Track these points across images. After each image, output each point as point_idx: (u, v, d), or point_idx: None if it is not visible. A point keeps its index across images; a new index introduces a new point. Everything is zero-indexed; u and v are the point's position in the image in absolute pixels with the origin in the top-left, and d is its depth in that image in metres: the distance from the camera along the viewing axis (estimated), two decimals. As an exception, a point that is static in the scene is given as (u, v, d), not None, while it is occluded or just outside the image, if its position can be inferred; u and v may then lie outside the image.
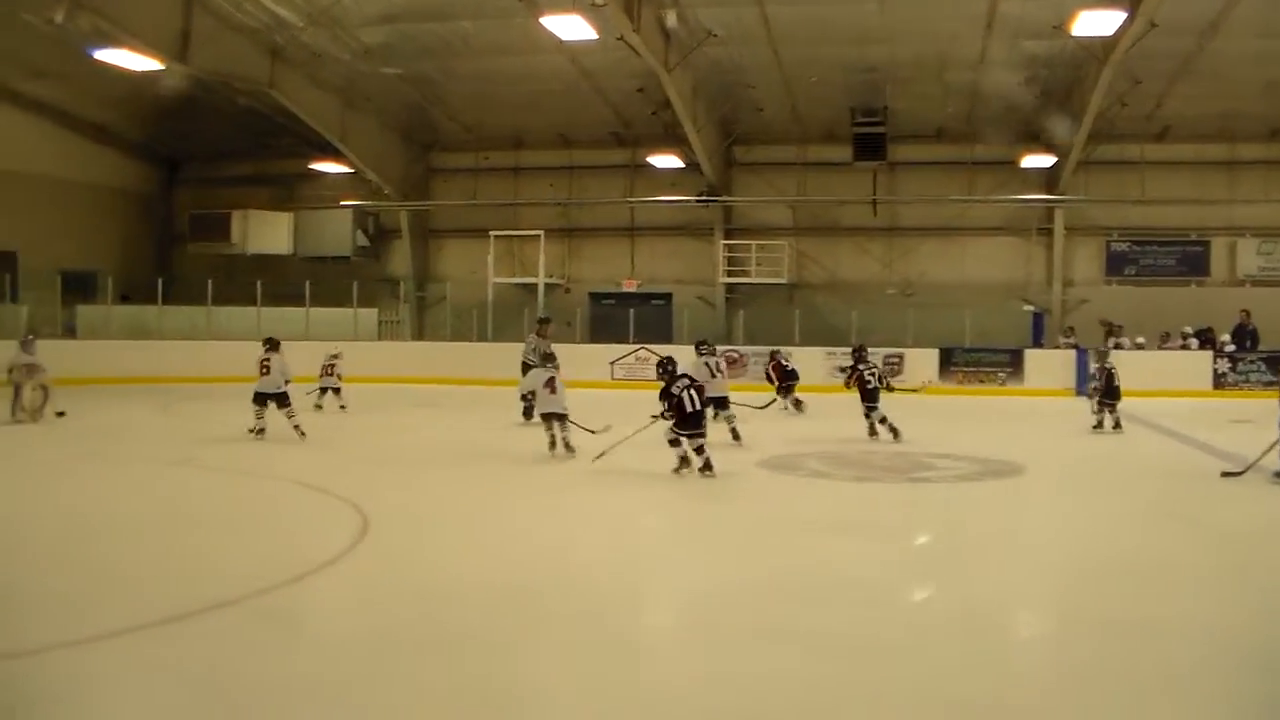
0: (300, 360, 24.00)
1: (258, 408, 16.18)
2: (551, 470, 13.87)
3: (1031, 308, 30.01)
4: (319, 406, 20.19)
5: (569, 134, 33.10)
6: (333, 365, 20.62)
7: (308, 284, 30.50)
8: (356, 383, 22.16)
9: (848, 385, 16.97)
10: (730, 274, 32.01)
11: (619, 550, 9.49)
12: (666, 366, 13.09)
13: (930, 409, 20.62)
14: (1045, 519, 11.41)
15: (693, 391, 12.73)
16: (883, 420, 16.41)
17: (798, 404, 21.43)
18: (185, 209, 35.93)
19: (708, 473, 12.61)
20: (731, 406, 16.53)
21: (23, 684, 5.84)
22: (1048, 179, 29.94)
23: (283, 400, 16.17)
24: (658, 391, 12.87)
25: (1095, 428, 17.90)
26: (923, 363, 27.24)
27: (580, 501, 11.92)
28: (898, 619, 7.23)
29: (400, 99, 30.87)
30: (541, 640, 6.70)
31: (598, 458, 13.40)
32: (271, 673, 6.00)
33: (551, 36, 22.00)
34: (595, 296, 33.47)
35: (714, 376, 16.34)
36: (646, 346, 28.61)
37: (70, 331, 29.89)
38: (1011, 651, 6.86)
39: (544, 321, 20.01)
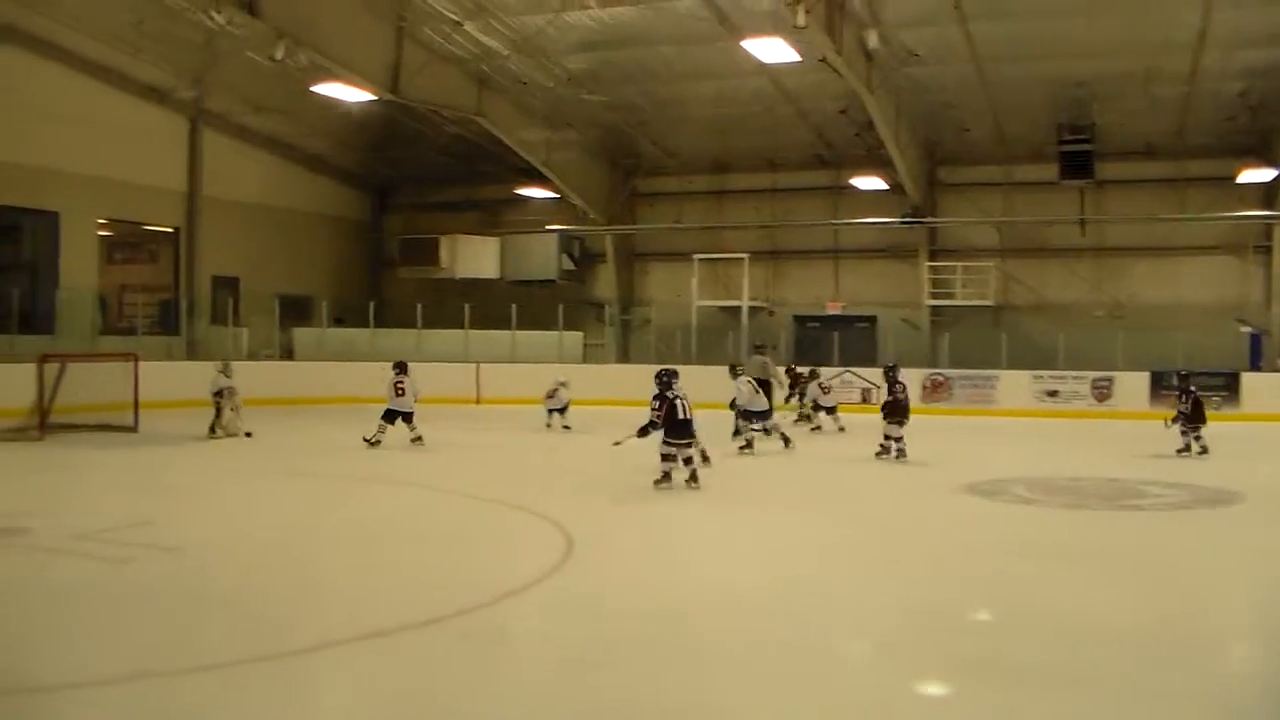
0: (511, 382, 26.58)
1: (386, 424, 19.26)
2: (751, 488, 15.44)
3: (1249, 329, 30.57)
4: (548, 426, 22.63)
5: (772, 157, 35.54)
6: (556, 390, 23.05)
7: (514, 307, 32.73)
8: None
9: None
10: (935, 296, 33.78)
11: (827, 572, 10.09)
12: (663, 377, 14.57)
13: (1140, 435, 21.06)
14: (1262, 551, 11.46)
15: (684, 400, 14.25)
16: (899, 440, 17.66)
17: (809, 420, 23.57)
18: (395, 235, 39.81)
19: (693, 484, 14.22)
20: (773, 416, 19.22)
21: (226, 694, 6.53)
22: (1266, 194, 30.75)
23: (409, 418, 19.35)
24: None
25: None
26: (1133, 387, 28.33)
27: (781, 521, 12.94)
28: (1101, 651, 7.42)
29: (604, 124, 33.75)
30: (745, 662, 7.20)
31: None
32: (476, 689, 6.66)
33: (753, 59, 23.10)
34: (799, 319, 35.70)
35: (756, 394, 19.01)
36: (851, 370, 30.06)
37: (287, 353, 33.30)
38: (1217, 686, 7.06)
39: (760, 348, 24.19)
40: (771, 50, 22.04)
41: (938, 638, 7.90)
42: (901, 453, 17.54)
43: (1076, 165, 30.48)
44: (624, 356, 35.87)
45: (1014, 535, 12.11)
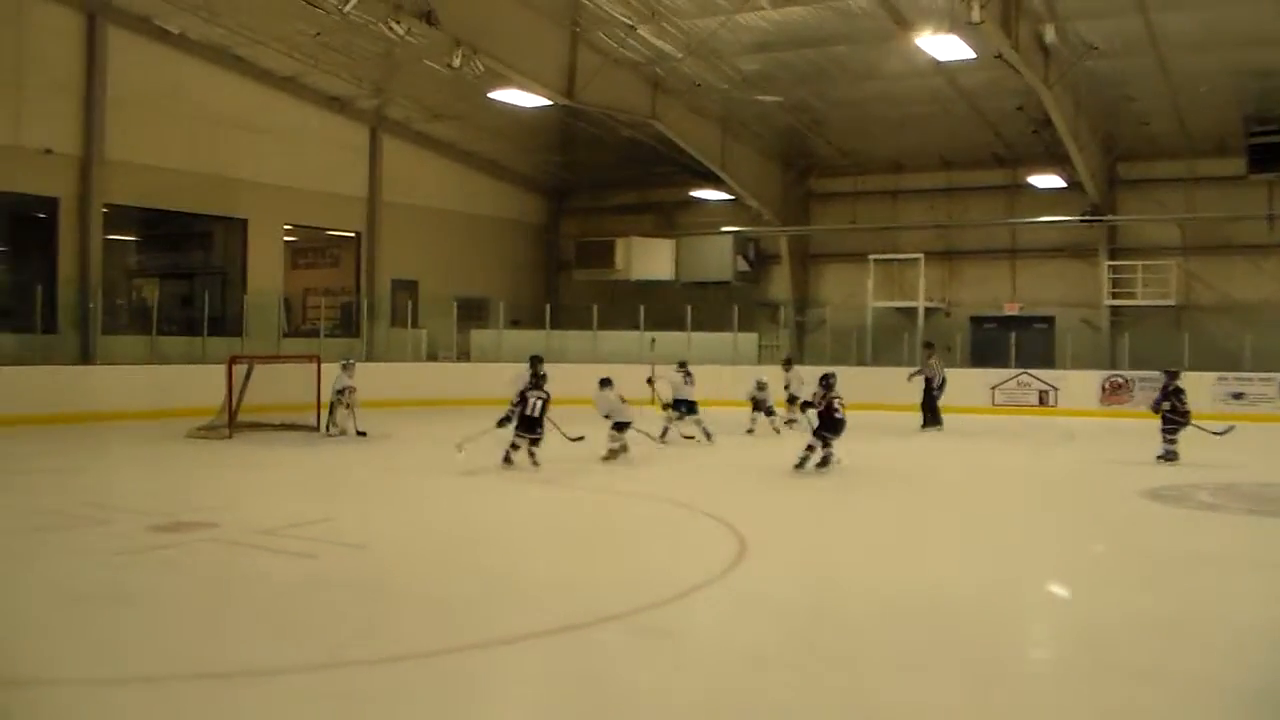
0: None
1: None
2: (929, 491, 15.63)
3: None
4: (750, 431, 23.05)
5: (947, 155, 35.35)
6: (761, 396, 23.50)
7: (689, 309, 33.11)
8: (735, 406, 24.03)
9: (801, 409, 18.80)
10: (1115, 296, 33.05)
11: (1004, 576, 10.05)
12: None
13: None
14: None
15: (539, 400, 15.99)
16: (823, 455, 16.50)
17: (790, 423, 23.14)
18: (572, 237, 40.56)
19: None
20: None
21: (409, 685, 6.72)
22: None
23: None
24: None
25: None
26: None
27: (958, 526, 12.92)
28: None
29: (778, 125, 33.86)
30: (923, 664, 7.23)
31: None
32: (652, 687, 6.75)
33: (928, 57, 23.36)
34: (976, 320, 35.46)
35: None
36: (1028, 371, 29.86)
37: (465, 355, 33.85)
38: None
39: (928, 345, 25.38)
40: (946, 47, 22.21)
41: (1111, 646, 7.83)
42: (826, 461, 16.41)
43: (1266, 158, 29.63)
44: (800, 358, 35.47)
45: (1198, 542, 11.93)
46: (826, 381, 16.52)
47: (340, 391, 21.24)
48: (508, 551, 11.05)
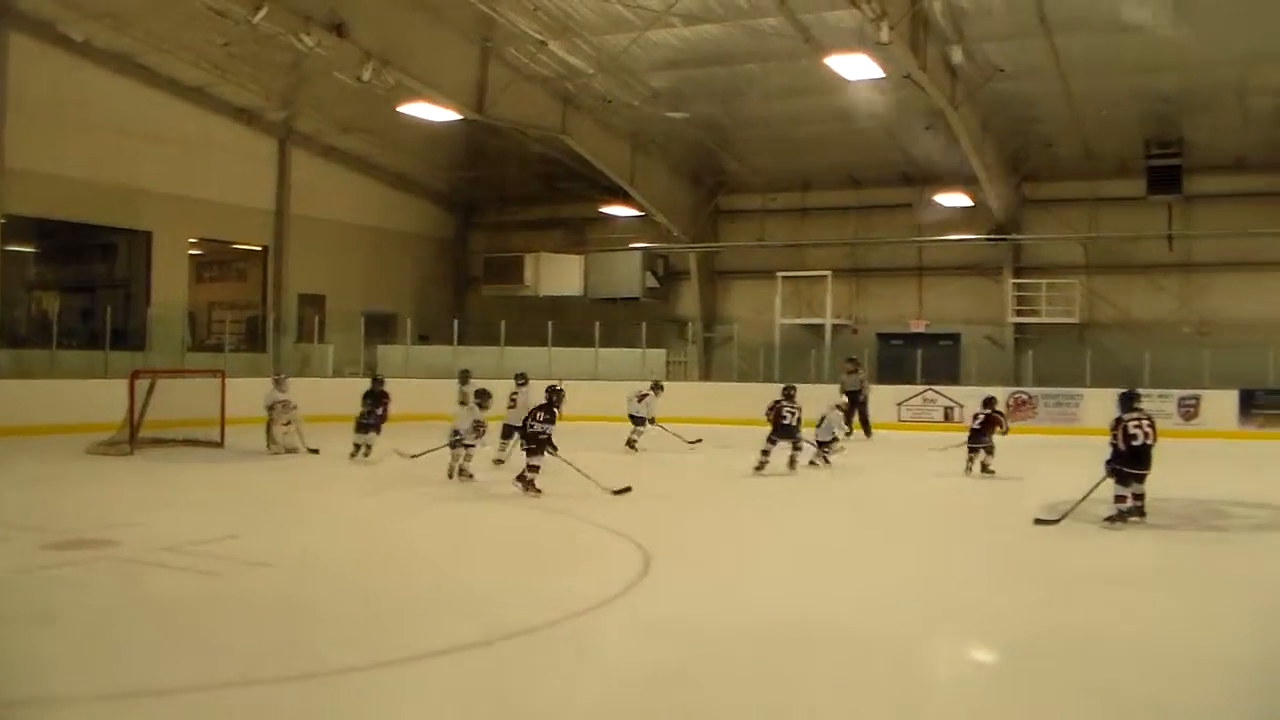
0: (593, 399, 26.64)
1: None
2: (836, 508, 15.67)
3: None
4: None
5: (855, 173, 35.56)
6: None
7: (597, 325, 33.00)
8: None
9: (767, 416, 19.08)
10: (1019, 313, 33.50)
11: (901, 592, 10.02)
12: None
13: (1227, 455, 20.98)
14: None
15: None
16: (765, 453, 18.33)
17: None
18: (480, 253, 40.38)
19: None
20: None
21: (317, 704, 6.71)
22: (1361, 207, 30.42)
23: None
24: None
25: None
26: (1221, 406, 28.00)
27: (861, 541, 13.01)
28: (1179, 677, 7.47)
29: (688, 142, 33.87)
30: (827, 681, 7.29)
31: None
32: (557, 703, 6.79)
33: (837, 76, 23.13)
34: (883, 337, 35.58)
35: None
36: (934, 388, 30.03)
37: (371, 370, 33.15)
38: None
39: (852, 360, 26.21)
40: (855, 67, 22.14)
41: (1014, 659, 8.03)
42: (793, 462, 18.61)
43: (1164, 180, 30.25)
44: (707, 374, 36.13)
45: (1097, 557, 12.01)
46: (787, 392, 18.87)
47: (271, 406, 20.84)
48: (416, 568, 10.99)
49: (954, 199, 32.68)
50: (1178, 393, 28.24)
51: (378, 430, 19.48)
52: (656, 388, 23.09)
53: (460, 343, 33.46)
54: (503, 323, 33.30)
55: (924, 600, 9.84)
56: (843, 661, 7.78)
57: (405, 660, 7.55)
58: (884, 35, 20.39)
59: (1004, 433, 18.73)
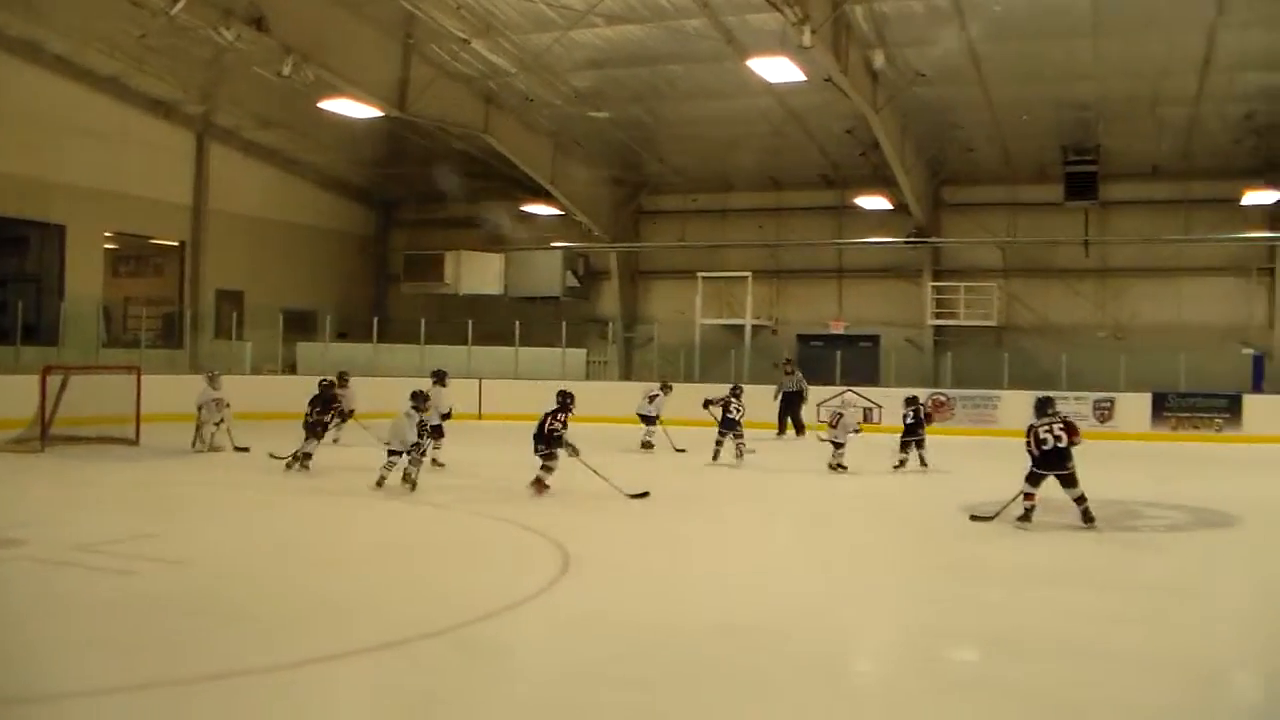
0: (513, 398, 26.58)
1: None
2: (749, 506, 15.68)
3: (1251, 351, 30.65)
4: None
5: (777, 176, 35.72)
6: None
7: (517, 324, 32.95)
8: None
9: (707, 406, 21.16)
10: (938, 316, 33.86)
11: (819, 591, 10.17)
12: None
13: (1141, 456, 21.20)
14: (1256, 572, 11.67)
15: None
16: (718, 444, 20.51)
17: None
18: (400, 250, 40.06)
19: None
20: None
21: (234, 703, 6.61)
22: (1271, 216, 30.88)
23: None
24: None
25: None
26: (1135, 408, 28.46)
27: (780, 540, 13.26)
28: (1091, 673, 7.48)
29: (610, 142, 33.87)
30: (735, 679, 7.24)
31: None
32: (475, 701, 6.78)
33: (759, 79, 23.33)
34: (802, 338, 35.76)
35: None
36: (853, 389, 29.92)
37: (291, 368, 33.29)
38: (1214, 714, 7.12)
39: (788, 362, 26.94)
40: (777, 70, 22.19)
41: (936, 658, 8.09)
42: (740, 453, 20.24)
43: (1081, 186, 30.72)
44: (627, 374, 36.13)
45: (1011, 556, 12.18)
46: (735, 390, 21.13)
47: (203, 405, 20.44)
48: (335, 567, 10.87)
49: (874, 202, 32.91)
50: (1093, 395, 28.65)
51: (318, 437, 18.13)
52: (665, 388, 23.64)
53: (380, 340, 33.41)
54: (422, 321, 33.23)
55: (848, 599, 9.96)
56: (765, 661, 7.74)
57: (318, 660, 7.48)
58: (806, 39, 20.47)
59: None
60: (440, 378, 19.45)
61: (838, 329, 35.22)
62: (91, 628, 8.26)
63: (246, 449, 20.23)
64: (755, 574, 11.03)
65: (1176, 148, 30.35)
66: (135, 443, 20.88)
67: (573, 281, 37.62)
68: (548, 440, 15.49)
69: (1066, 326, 32.67)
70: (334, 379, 19.33)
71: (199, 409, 20.51)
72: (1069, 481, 13.32)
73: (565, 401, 15.91)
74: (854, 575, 11.15)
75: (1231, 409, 28.12)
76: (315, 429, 17.85)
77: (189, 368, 30.10)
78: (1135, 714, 6.87)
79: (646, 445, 22.60)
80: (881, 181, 31.84)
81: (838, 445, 19.14)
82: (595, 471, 15.34)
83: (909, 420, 19.50)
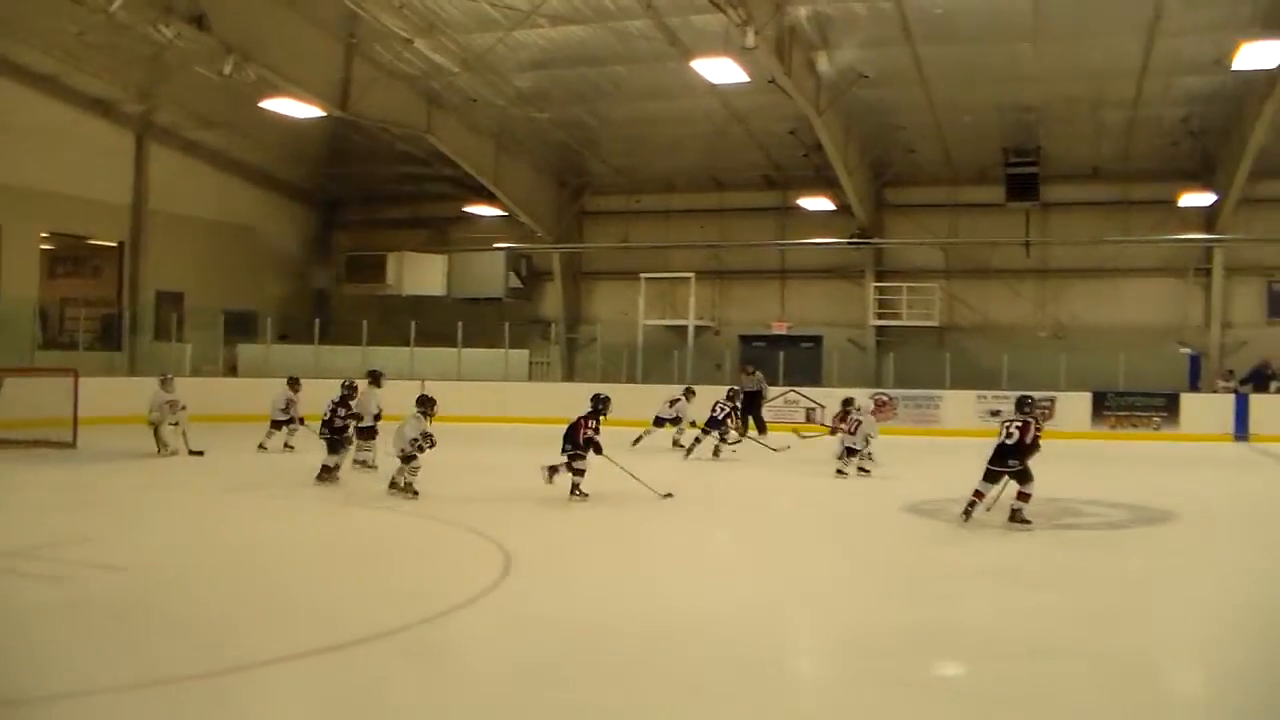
0: (456, 399, 26.40)
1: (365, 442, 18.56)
2: (694, 507, 15.46)
3: (1188, 350, 31.26)
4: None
5: (720, 177, 35.75)
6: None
7: (460, 325, 32.55)
8: (506, 422, 23.61)
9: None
10: (880, 316, 34.06)
11: (762, 591, 10.14)
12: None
13: (1081, 455, 21.36)
14: (1195, 568, 11.82)
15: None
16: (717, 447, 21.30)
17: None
18: (343, 251, 39.72)
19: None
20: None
21: (172, 711, 6.58)
22: (1207, 218, 31.23)
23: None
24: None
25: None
26: (1075, 407, 28.62)
27: (721, 540, 13.36)
28: (1030, 670, 7.62)
29: (553, 143, 33.85)
30: (678, 677, 7.28)
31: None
32: (420, 703, 6.80)
33: (703, 80, 23.30)
34: (745, 339, 35.76)
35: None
36: (796, 389, 30.10)
37: (231, 369, 32.99)
38: (1164, 709, 7.21)
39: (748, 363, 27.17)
40: (721, 71, 22.14)
41: (876, 657, 8.02)
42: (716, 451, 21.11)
43: (1022, 188, 31.09)
44: (570, 375, 36.02)
45: (953, 554, 12.34)
46: (729, 393, 22.70)
47: (159, 409, 20.00)
48: (276, 571, 10.77)
49: (817, 203, 33.00)
50: (1037, 393, 28.58)
51: (345, 445, 17.21)
52: (689, 394, 23.72)
53: (322, 342, 32.84)
54: (365, 322, 32.65)
55: (789, 599, 10.00)
56: (706, 661, 7.77)
57: (259, 665, 7.41)
58: (750, 40, 20.56)
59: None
60: (375, 378, 19.22)
61: (780, 330, 35.33)
62: (24, 634, 8.12)
63: (201, 453, 19.93)
64: (698, 574, 11.06)
65: (1116, 150, 30.83)
66: (73, 446, 20.61)
67: (515, 282, 37.56)
68: (580, 444, 15.46)
69: (1007, 326, 33.04)
70: (356, 381, 18.56)
71: (156, 412, 20.08)
72: (1017, 478, 13.44)
73: (598, 406, 15.93)
74: (796, 575, 11.13)
75: (1169, 408, 28.47)
76: (341, 435, 16.93)
77: (128, 370, 29.79)
78: (1075, 709, 6.91)
79: (678, 445, 22.82)
80: (824, 183, 31.95)
81: (852, 452, 18.78)
82: (629, 473, 15.56)
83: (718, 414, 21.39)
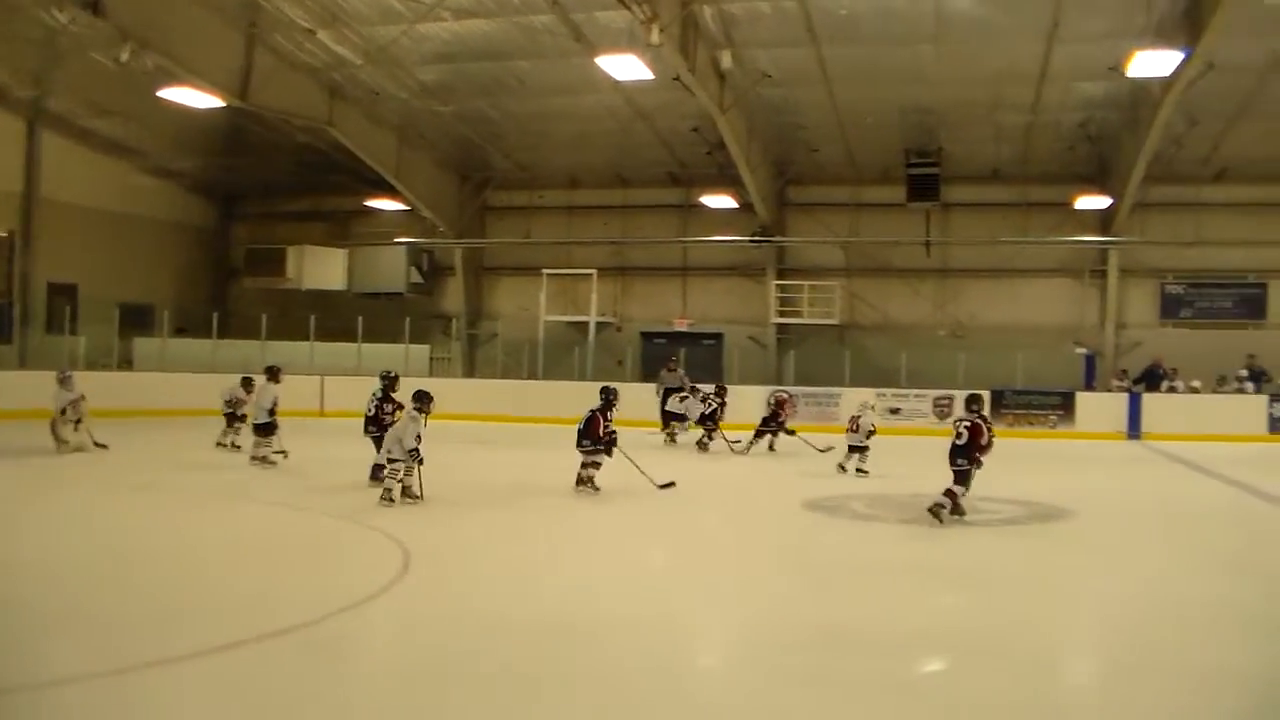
0: (356, 395, 26.15)
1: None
2: (593, 504, 15.32)
3: (1084, 350, 31.63)
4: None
5: (624, 173, 35.80)
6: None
7: (360, 320, 32.49)
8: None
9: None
10: (782, 314, 34.20)
11: (662, 589, 10.28)
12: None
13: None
14: (1090, 563, 11.94)
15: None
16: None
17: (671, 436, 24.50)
18: (242, 244, 39.16)
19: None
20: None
21: (72, 710, 6.50)
22: (1103, 220, 31.73)
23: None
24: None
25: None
26: (972, 405, 28.63)
27: (621, 538, 13.21)
28: (933, 663, 7.82)
29: (456, 137, 33.62)
30: (577, 674, 7.33)
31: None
32: (317, 703, 6.71)
33: (607, 76, 23.16)
34: (647, 335, 35.82)
35: None
36: (697, 386, 29.98)
37: (127, 363, 32.44)
38: (1058, 700, 7.25)
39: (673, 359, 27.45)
40: (625, 68, 22.10)
41: (772, 652, 8.06)
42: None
43: (923, 188, 31.32)
44: (471, 371, 35.91)
45: (851, 551, 12.50)
46: (718, 389, 24.31)
47: (63, 409, 19.45)
48: (173, 569, 10.51)
49: (720, 201, 33.09)
50: (933, 392, 29.35)
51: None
52: (694, 391, 24.68)
53: (220, 336, 32.47)
54: (264, 316, 32.44)
55: (686, 594, 10.10)
56: (602, 657, 7.85)
57: (151, 665, 7.24)
58: (654, 37, 20.57)
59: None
60: (274, 373, 18.98)
61: (682, 326, 35.42)
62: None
63: (105, 446, 19.51)
64: (594, 569, 11.12)
65: (1015, 153, 31.25)
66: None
67: (417, 277, 37.30)
68: (600, 440, 15.57)
69: (907, 325, 33.36)
70: (395, 372, 17.74)
71: (60, 413, 19.48)
72: (955, 476, 13.64)
73: (610, 398, 15.97)
74: (701, 573, 11.16)
75: (1065, 406, 29.13)
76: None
77: (18, 364, 29.13)
78: (971, 703, 6.99)
79: (702, 446, 23.25)
80: (727, 180, 31.99)
81: (854, 449, 18.74)
82: (636, 466, 15.92)
83: (767, 414, 22.43)
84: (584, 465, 15.77)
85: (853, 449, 18.77)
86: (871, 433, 18.83)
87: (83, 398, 19.77)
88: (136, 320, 32.99)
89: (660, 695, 7.03)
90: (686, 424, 24.00)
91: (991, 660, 7.86)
